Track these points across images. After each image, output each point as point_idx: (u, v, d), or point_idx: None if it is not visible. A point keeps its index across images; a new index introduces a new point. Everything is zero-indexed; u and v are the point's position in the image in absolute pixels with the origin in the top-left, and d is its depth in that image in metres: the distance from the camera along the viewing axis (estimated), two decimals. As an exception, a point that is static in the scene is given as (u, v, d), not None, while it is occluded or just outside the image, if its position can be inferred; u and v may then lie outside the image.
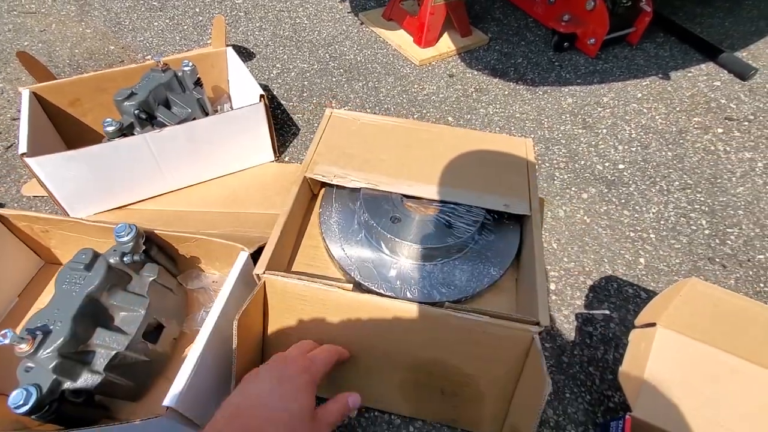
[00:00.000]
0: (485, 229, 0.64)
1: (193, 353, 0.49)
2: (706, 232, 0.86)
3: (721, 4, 1.56)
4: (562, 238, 0.83)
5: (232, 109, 0.97)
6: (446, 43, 1.27)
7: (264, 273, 0.52)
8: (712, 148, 1.04)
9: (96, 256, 0.51)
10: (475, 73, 1.21)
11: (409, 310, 0.51)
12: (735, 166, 1.00)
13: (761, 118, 1.12)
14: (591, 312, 0.72)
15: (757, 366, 0.54)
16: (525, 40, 1.35)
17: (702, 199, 0.92)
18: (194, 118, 0.78)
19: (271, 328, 0.57)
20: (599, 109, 1.12)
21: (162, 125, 0.76)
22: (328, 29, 1.35)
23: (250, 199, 0.81)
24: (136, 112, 0.72)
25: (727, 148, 1.04)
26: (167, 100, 0.78)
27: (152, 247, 0.59)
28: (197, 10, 1.40)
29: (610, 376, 0.65)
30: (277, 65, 1.20)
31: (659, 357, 0.55)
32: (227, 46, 0.97)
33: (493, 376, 0.52)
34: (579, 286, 0.76)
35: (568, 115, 1.10)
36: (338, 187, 0.67)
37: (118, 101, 0.73)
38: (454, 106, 1.10)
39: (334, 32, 1.34)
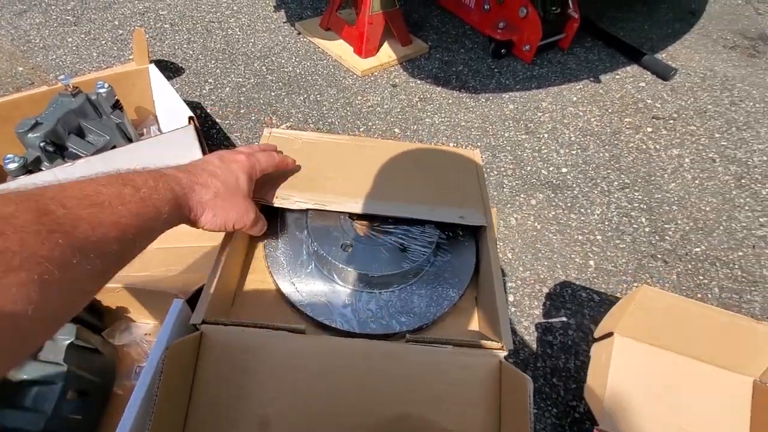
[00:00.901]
0: (440, 249, 0.62)
1: (126, 418, 0.42)
2: (647, 229, 0.90)
3: (639, 8, 1.67)
4: (516, 246, 0.83)
5: (159, 131, 0.89)
6: (387, 53, 1.25)
7: (202, 321, 0.46)
8: (644, 146, 1.10)
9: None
10: (418, 82, 1.20)
11: (368, 349, 0.47)
12: (666, 163, 1.06)
13: (684, 115, 1.20)
14: (549, 321, 0.73)
15: (709, 365, 0.55)
16: (464, 48, 1.36)
17: (640, 197, 0.96)
18: (114, 146, 0.70)
19: (202, 386, 0.50)
20: (539, 114, 1.15)
21: (75, 157, 0.67)
22: (263, 40, 1.29)
23: (186, 231, 0.74)
24: (42, 144, 0.63)
25: (657, 146, 1.10)
26: (80, 127, 0.69)
27: (67, 303, 0.51)
28: (116, 23, 1.28)
29: (573, 386, 0.65)
30: (210, 80, 1.12)
31: (619, 366, 0.56)
32: (151, 61, 0.89)
33: (471, 427, 0.49)
34: (536, 294, 0.76)
35: (511, 122, 1.11)
36: (283, 214, 0.62)
37: (21, 133, 0.63)
38: (400, 117, 1.09)
39: (270, 43, 1.28)
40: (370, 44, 1.20)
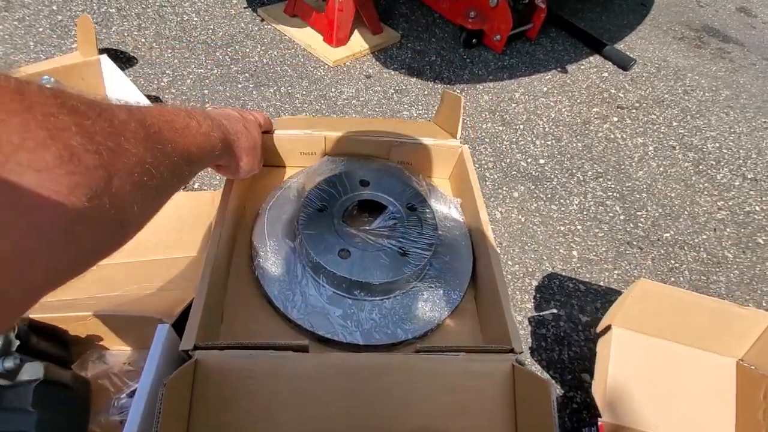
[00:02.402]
0: (438, 251, 0.60)
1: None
2: (621, 217, 0.93)
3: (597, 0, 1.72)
4: (503, 240, 0.83)
5: (117, 130, 0.80)
6: (359, 42, 1.20)
7: (194, 347, 0.42)
8: (612, 136, 1.13)
9: (-61, 375, 0.36)
10: (393, 73, 1.17)
11: (376, 363, 0.44)
12: (632, 152, 1.10)
13: (645, 104, 1.25)
14: (541, 314, 0.73)
15: (700, 350, 0.58)
16: (435, 37, 1.34)
17: (613, 186, 1.00)
18: (68, 151, 0.62)
19: (200, 417, 0.45)
20: (513, 104, 1.16)
21: (21, 164, 0.58)
22: (223, 27, 1.20)
23: (158, 242, 0.67)
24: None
25: (624, 135, 1.14)
26: (25, 130, 0.61)
27: (30, 336, 0.44)
28: (54, 8, 1.14)
29: (569, 377, 0.66)
30: (168, 72, 1.03)
31: (618, 358, 0.57)
32: (99, 51, 0.80)
33: None
34: (526, 288, 0.76)
35: (487, 113, 1.11)
36: (270, 219, 0.58)
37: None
38: (377, 109, 1.05)
39: (231, 31, 1.20)
40: (341, 32, 1.15)
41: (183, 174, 0.31)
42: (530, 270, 0.79)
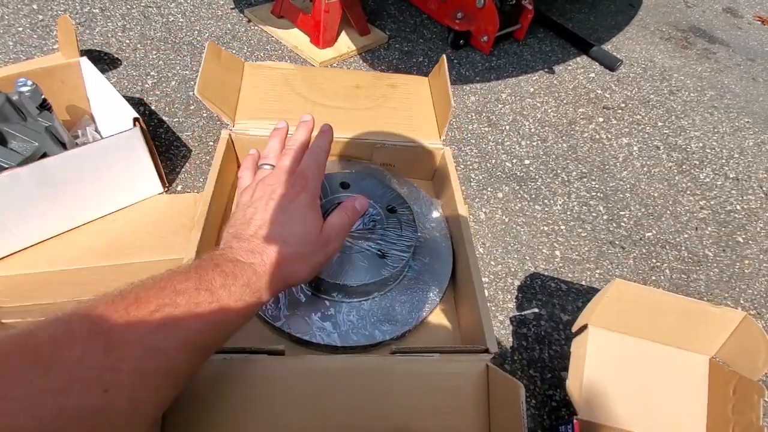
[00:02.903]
0: (418, 252, 0.61)
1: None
2: (605, 217, 0.94)
3: (585, 0, 1.73)
4: (487, 241, 0.83)
5: (97, 131, 0.80)
6: (346, 43, 1.20)
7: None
8: (597, 136, 1.14)
9: None
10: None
11: (352, 366, 0.45)
12: (617, 152, 1.11)
13: (630, 105, 1.26)
14: (522, 314, 0.74)
15: (677, 348, 0.59)
16: (423, 38, 1.34)
17: (597, 186, 1.00)
18: (45, 154, 0.61)
19: (174, 421, 0.45)
20: (500, 105, 1.16)
21: (-2, 168, 0.58)
22: (209, 28, 1.20)
23: (139, 244, 0.67)
24: (-48, 155, 0.53)
25: (609, 136, 1.15)
26: (0, 134, 0.60)
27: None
28: (35, 7, 1.13)
29: (548, 375, 0.67)
30: (152, 73, 1.03)
31: (594, 356, 0.57)
32: (82, 53, 0.79)
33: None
34: (508, 288, 0.77)
35: (473, 114, 1.11)
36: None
37: (-77, 141, 0.53)
38: (362, 110, 1.05)
39: (217, 32, 1.19)
40: (327, 34, 1.15)
41: (179, 368, 0.28)
42: (513, 270, 0.80)
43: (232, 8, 1.28)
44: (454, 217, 0.62)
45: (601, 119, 1.19)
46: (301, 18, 1.19)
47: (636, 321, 0.58)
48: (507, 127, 1.10)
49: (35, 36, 1.04)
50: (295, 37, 1.19)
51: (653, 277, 0.84)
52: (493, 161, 1.00)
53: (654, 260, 0.87)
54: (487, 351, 0.48)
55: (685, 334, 0.57)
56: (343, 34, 1.23)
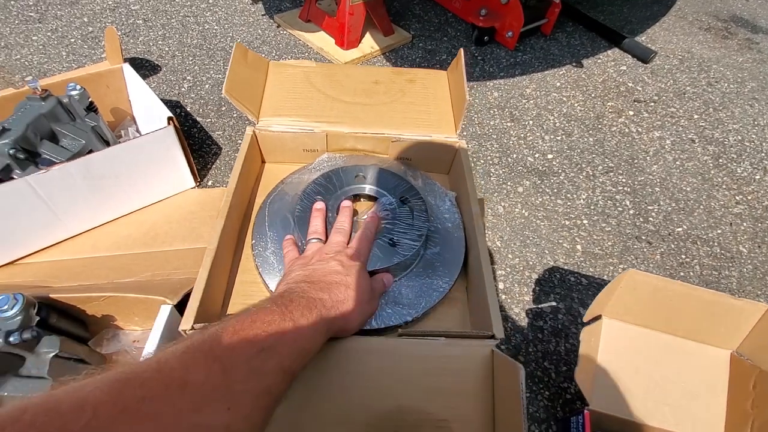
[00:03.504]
0: (430, 242, 0.62)
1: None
2: (631, 212, 0.91)
3: (618, -8, 1.68)
4: (505, 234, 0.83)
5: (138, 132, 0.87)
6: (369, 44, 1.23)
7: (191, 327, 0.46)
8: (627, 130, 1.11)
9: (-30, 342, 0.41)
10: (401, 72, 1.19)
11: (360, 347, 0.47)
12: (647, 146, 1.07)
13: (664, 98, 1.22)
14: (539, 306, 0.74)
15: (694, 342, 0.57)
16: (447, 36, 1.35)
17: (624, 180, 0.98)
18: (91, 150, 0.68)
19: None
20: (524, 100, 1.15)
21: (49, 163, 0.65)
22: (242, 34, 1.26)
23: (172, 234, 0.72)
24: (11, 151, 0.60)
25: (639, 129, 1.11)
26: (53, 132, 0.67)
27: (50, 314, 0.49)
28: (85, 19, 1.23)
29: (564, 368, 0.66)
30: (188, 78, 1.10)
31: (608, 347, 0.57)
32: (125, 60, 0.86)
33: (466, 415, 0.49)
34: (525, 281, 0.77)
35: (495, 110, 1.11)
36: (271, 212, 0.61)
37: (-12, 140, 0.61)
38: (384, 108, 1.07)
39: (249, 37, 1.25)
40: (351, 35, 1.18)
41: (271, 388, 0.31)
42: (531, 263, 0.79)
43: (262, 15, 1.34)
44: (467, 208, 0.63)
45: (631, 112, 1.16)
46: (326, 21, 1.23)
47: (652, 313, 0.56)
48: (530, 122, 1.09)
49: (86, 46, 1.14)
50: (321, 40, 1.23)
51: (681, 273, 0.81)
52: (515, 156, 1.00)
53: (683, 256, 0.84)
54: (493, 337, 0.49)
55: (704, 328, 0.55)
56: (367, 35, 1.26)
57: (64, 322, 0.51)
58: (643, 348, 0.57)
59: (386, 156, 0.72)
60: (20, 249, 0.66)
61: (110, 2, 1.30)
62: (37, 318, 0.46)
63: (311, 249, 0.46)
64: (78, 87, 0.70)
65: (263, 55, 1.18)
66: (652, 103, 1.19)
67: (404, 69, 0.76)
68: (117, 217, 0.74)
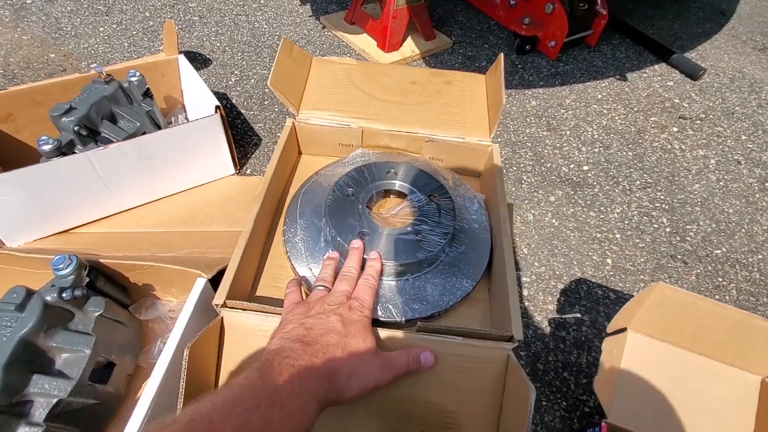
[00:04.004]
0: (456, 241, 0.63)
1: (148, 391, 0.45)
2: (668, 229, 0.88)
3: (670, 7, 1.63)
4: (532, 242, 0.83)
5: (187, 119, 0.92)
6: (410, 47, 1.26)
7: (224, 303, 0.48)
8: (669, 146, 1.07)
9: (30, 294, 0.45)
10: (440, 77, 1.21)
11: (378, 337, 0.48)
12: (690, 164, 1.03)
13: (712, 116, 1.17)
14: (563, 316, 0.73)
15: (721, 364, 0.55)
16: (488, 43, 1.35)
17: (662, 197, 0.95)
18: (144, 132, 0.73)
19: (226, 369, 0.52)
20: (562, 110, 1.14)
21: (107, 141, 0.70)
22: (288, 33, 1.31)
23: (210, 216, 0.77)
24: (75, 128, 0.66)
25: (683, 147, 1.08)
26: (112, 113, 0.73)
27: (98, 278, 0.53)
28: (147, 14, 1.32)
29: (584, 380, 0.65)
30: (236, 72, 1.15)
31: (631, 361, 0.56)
32: (180, 52, 0.92)
33: (475, 410, 0.50)
34: (550, 290, 0.76)
35: (532, 118, 1.11)
36: (303, 201, 0.64)
37: (55, 117, 0.66)
38: (420, 111, 1.09)
39: (295, 36, 1.30)
40: (393, 38, 1.21)
41: None
42: (557, 273, 0.78)
43: (309, 16, 1.39)
44: (495, 211, 0.63)
45: (675, 129, 1.12)
46: (370, 24, 1.26)
47: (679, 329, 0.55)
48: (567, 132, 1.07)
49: (145, 39, 1.22)
50: (363, 42, 1.26)
51: (717, 296, 0.77)
52: (549, 165, 0.99)
53: (720, 279, 0.80)
54: (511, 339, 0.49)
55: (734, 349, 0.53)
56: (409, 39, 1.28)
57: (109, 286, 0.56)
58: (667, 365, 0.55)
59: (418, 155, 0.73)
60: (75, 218, 0.71)
61: (170, -1, 1.39)
62: (87, 279, 0.51)
63: (314, 296, 0.44)
64: (137, 74, 0.75)
65: (307, 54, 1.22)
66: (699, 121, 1.15)
67: (442, 71, 0.77)
68: (162, 197, 0.79)
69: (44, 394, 0.44)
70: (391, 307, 0.56)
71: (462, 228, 0.63)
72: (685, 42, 1.45)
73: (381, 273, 0.49)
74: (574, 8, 1.25)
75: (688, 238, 0.87)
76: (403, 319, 0.53)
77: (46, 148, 0.63)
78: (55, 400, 0.44)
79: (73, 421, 0.47)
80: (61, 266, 0.48)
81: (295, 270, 0.59)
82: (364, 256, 0.52)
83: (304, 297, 0.48)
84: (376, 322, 0.52)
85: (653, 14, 1.58)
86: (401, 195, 0.66)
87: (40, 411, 0.44)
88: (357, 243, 0.52)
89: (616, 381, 0.54)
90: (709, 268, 0.82)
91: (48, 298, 0.46)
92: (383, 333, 0.48)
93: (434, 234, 0.61)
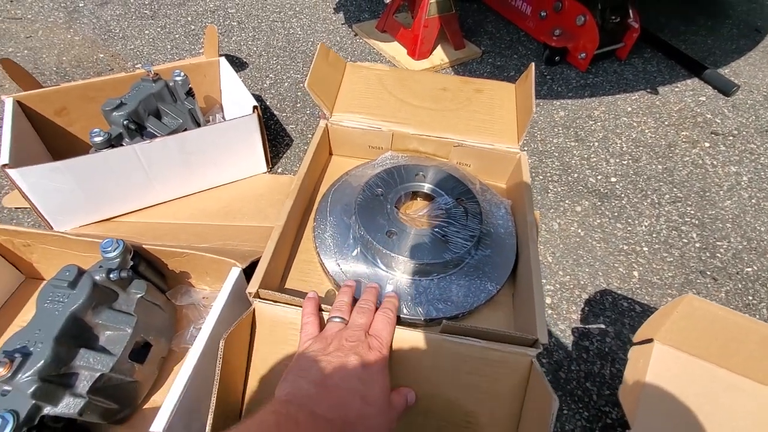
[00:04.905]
0: (481, 244, 0.64)
1: (182, 374, 0.47)
2: (697, 245, 0.87)
3: (703, 23, 1.61)
4: (557, 251, 0.83)
5: (224, 119, 0.96)
6: (440, 56, 1.28)
7: (257, 292, 0.50)
8: (700, 161, 1.06)
9: (81, 273, 0.49)
10: (468, 85, 1.22)
11: (403, 336, 0.49)
12: (722, 180, 1.01)
13: (744, 133, 1.15)
14: (587, 326, 0.72)
15: (752, 381, 0.54)
16: (517, 54, 1.36)
17: (692, 212, 0.93)
18: (185, 129, 0.77)
19: (257, 358, 0.54)
20: (591, 122, 1.14)
21: (152, 136, 0.74)
22: (321, 39, 1.35)
23: (243, 211, 0.80)
24: (125, 122, 0.70)
25: (714, 162, 1.06)
26: (158, 110, 0.77)
27: (140, 263, 0.57)
28: (189, 18, 1.39)
29: (607, 392, 0.64)
30: (271, 75, 1.20)
31: (657, 373, 0.55)
32: (220, 56, 0.96)
33: (494, 412, 0.50)
34: (574, 299, 0.76)
35: (560, 128, 1.11)
36: (333, 199, 0.66)
37: (107, 111, 0.71)
38: (448, 118, 1.11)
39: (328, 43, 1.34)
40: (423, 47, 1.23)
41: None
42: (582, 283, 0.78)
43: (342, 23, 1.43)
44: (521, 217, 0.64)
45: (707, 144, 1.10)
46: (401, 32, 1.29)
47: (708, 343, 0.54)
48: (596, 144, 1.07)
49: (187, 42, 1.28)
50: (393, 49, 1.29)
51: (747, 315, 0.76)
52: (576, 175, 0.98)
53: (751, 297, 0.79)
54: (535, 343, 0.49)
55: (765, 366, 0.52)
56: (439, 48, 1.30)
57: (149, 271, 0.59)
58: (694, 379, 0.55)
59: (447, 160, 0.74)
60: (118, 207, 0.76)
61: (211, 5, 1.46)
62: (132, 263, 0.54)
63: (332, 330, 0.43)
64: (182, 74, 0.79)
65: (339, 60, 1.26)
66: (731, 137, 1.13)
67: (473, 78, 0.78)
68: (198, 191, 0.82)
69: (88, 367, 0.47)
70: (416, 306, 0.57)
71: (488, 232, 0.64)
72: (718, 58, 1.42)
73: (397, 308, 0.48)
74: (605, 21, 1.25)
75: (718, 255, 0.85)
76: (428, 318, 0.54)
77: (98, 139, 0.68)
78: (97, 374, 0.47)
79: (111, 397, 0.49)
80: (109, 249, 0.51)
81: (324, 265, 0.61)
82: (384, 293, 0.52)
83: (322, 312, 0.48)
84: (399, 320, 0.53)
85: (686, 29, 1.56)
86: (429, 197, 0.67)
87: (83, 383, 0.46)
88: (374, 284, 0.52)
89: (641, 392, 0.54)
90: (740, 285, 0.80)
91: (97, 278, 0.49)
92: (407, 333, 0.49)
93: (460, 236, 0.62)
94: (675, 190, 0.98)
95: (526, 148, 1.04)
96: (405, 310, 0.56)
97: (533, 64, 0.66)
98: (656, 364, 0.56)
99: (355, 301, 0.49)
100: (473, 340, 0.49)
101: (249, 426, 0.29)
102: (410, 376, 0.52)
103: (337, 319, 0.44)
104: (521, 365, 0.49)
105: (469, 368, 0.50)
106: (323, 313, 0.50)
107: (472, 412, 0.51)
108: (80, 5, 1.40)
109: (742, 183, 1.01)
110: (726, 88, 1.26)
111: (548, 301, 0.75)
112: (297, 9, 1.48)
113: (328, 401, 0.34)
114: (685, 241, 0.87)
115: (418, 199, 0.69)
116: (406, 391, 0.44)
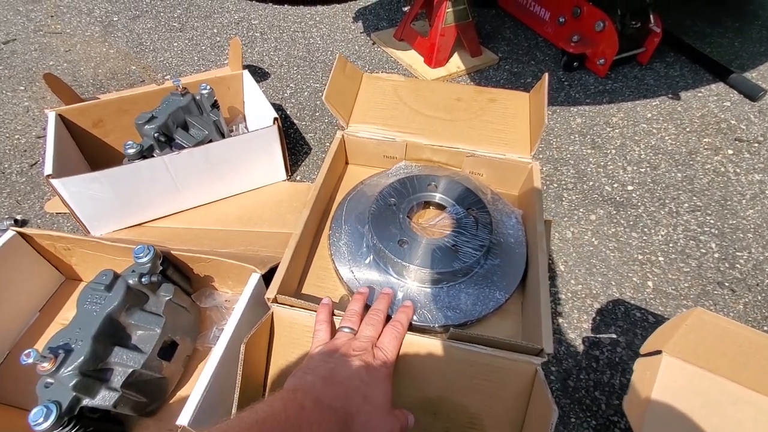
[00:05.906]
0: (491, 253, 0.65)
1: (206, 372, 0.51)
2: (716, 255, 0.86)
3: (730, 25, 1.56)
4: (570, 260, 0.83)
5: (247, 129, 1.00)
6: (456, 63, 1.29)
7: (275, 297, 0.53)
8: (722, 169, 1.04)
9: (116, 277, 0.53)
10: (484, 93, 1.23)
11: (412, 341, 0.51)
12: (745, 188, 0.99)
13: (772, 139, 1.12)
14: (598, 336, 0.73)
15: (761, 395, 0.54)
16: (535, 60, 1.36)
17: (712, 221, 0.92)
18: (210, 140, 0.81)
19: (276, 358, 0.57)
20: (608, 129, 1.13)
21: (180, 147, 0.79)
22: (340, 49, 1.39)
23: (263, 217, 0.84)
24: (156, 135, 0.75)
25: (737, 170, 1.04)
26: (185, 122, 0.82)
27: (168, 267, 0.61)
28: (215, 30, 1.45)
29: (616, 402, 0.65)
30: (291, 85, 1.24)
31: (664, 385, 0.55)
32: (243, 67, 1.01)
33: (498, 416, 0.52)
34: (586, 309, 0.76)
35: (577, 135, 1.10)
36: (348, 208, 0.69)
37: (139, 125, 0.76)
38: (463, 125, 1.12)
39: (346, 52, 1.38)
40: (440, 55, 1.25)
41: None
42: (594, 292, 0.78)
43: (361, 32, 1.46)
44: (532, 227, 0.65)
45: (730, 151, 1.08)
46: (418, 40, 1.31)
47: (717, 357, 0.54)
48: (613, 151, 1.07)
49: (213, 53, 1.34)
50: (410, 57, 1.31)
51: (765, 328, 0.74)
52: (591, 183, 0.98)
53: (772, 310, 0.77)
54: (541, 352, 0.50)
55: (776, 380, 0.52)
56: (455, 55, 1.32)
57: (176, 275, 0.63)
58: (702, 392, 0.55)
59: (459, 169, 0.76)
60: (148, 213, 0.81)
61: (236, 17, 1.51)
62: (161, 267, 0.58)
63: (341, 339, 0.44)
64: (208, 87, 0.84)
65: (357, 69, 1.29)
66: (756, 144, 1.10)
67: (487, 88, 0.80)
68: (221, 198, 0.87)
69: (122, 364, 0.51)
70: (425, 312, 0.59)
71: (498, 242, 0.66)
72: (745, 61, 1.39)
73: (409, 322, 0.49)
74: (625, 26, 1.24)
75: (738, 266, 0.84)
76: (437, 324, 0.56)
77: (131, 151, 0.73)
78: (130, 370, 0.51)
79: (142, 391, 0.54)
80: (141, 255, 0.55)
81: (338, 271, 0.64)
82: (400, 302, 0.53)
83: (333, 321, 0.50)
84: (409, 326, 0.56)
85: (711, 32, 1.52)
86: (440, 207, 0.69)
87: (117, 378, 0.51)
88: (388, 289, 0.53)
89: (648, 404, 0.54)
90: (759, 297, 0.79)
91: (130, 282, 0.54)
92: (416, 338, 0.51)
93: (470, 246, 0.64)
94: (695, 198, 0.96)
95: (540, 156, 1.05)
96: (415, 317, 0.58)
97: (546, 74, 0.67)
98: (664, 376, 0.56)
99: (368, 307, 0.52)
100: (480, 347, 0.50)
101: (257, 409, 0.32)
102: (419, 378, 0.54)
103: (347, 329, 0.46)
104: (527, 373, 0.51)
105: (475, 373, 0.52)
106: (336, 317, 0.53)
107: (477, 415, 0.53)
108: (114, 19, 1.48)
109: (767, 191, 0.99)
110: (752, 93, 1.23)
111: (559, 309, 0.76)
112: (317, 19, 1.53)
113: (332, 392, 0.36)
114: (704, 251, 0.86)
115: (431, 208, 0.71)
116: (407, 412, 0.45)
